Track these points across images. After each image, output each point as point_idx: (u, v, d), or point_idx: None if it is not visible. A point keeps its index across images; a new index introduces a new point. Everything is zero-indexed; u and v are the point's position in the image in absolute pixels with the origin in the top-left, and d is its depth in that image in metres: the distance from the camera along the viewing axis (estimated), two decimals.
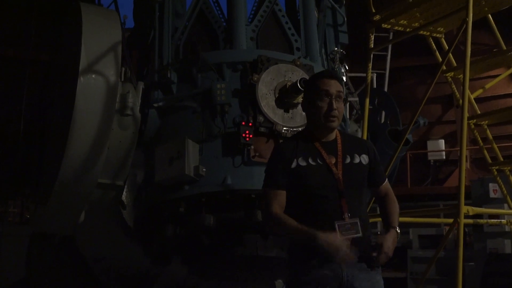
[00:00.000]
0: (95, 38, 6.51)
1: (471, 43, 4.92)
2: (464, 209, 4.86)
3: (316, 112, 3.62)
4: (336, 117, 3.57)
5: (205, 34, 7.88)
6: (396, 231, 3.59)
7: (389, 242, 3.50)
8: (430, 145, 19.31)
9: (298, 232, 3.44)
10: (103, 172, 6.54)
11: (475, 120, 5.88)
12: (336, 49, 8.30)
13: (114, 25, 6.75)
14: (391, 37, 10.93)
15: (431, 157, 19.30)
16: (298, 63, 7.17)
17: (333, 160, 3.57)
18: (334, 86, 3.57)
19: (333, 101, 3.52)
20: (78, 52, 6.45)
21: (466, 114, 4.55)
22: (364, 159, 3.67)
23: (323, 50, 8.36)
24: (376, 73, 14.85)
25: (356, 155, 3.65)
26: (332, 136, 3.68)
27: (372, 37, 5.08)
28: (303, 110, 3.85)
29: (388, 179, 3.97)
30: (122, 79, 6.77)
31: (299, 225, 3.45)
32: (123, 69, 6.82)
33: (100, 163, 6.41)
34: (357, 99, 12.54)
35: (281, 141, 6.53)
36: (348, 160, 3.61)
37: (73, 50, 6.70)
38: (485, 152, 6.59)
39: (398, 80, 18.88)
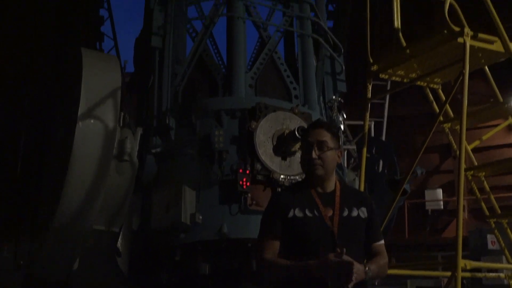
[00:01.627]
0: (95, 83, 6.53)
1: (468, 92, 4.96)
2: (462, 263, 4.82)
3: (301, 161, 3.68)
4: (319, 165, 3.55)
5: (204, 80, 7.94)
6: (365, 271, 3.42)
7: (357, 265, 3.36)
8: (428, 194, 19.25)
9: (289, 269, 3.39)
10: (98, 218, 6.47)
11: (472, 172, 5.87)
12: (334, 97, 8.35)
13: (114, 70, 6.78)
14: (388, 87, 11.03)
15: (429, 206, 19.21)
16: (296, 111, 7.19)
17: (330, 213, 3.53)
18: (316, 135, 3.57)
19: (314, 150, 3.53)
20: (78, 96, 6.46)
21: (463, 166, 4.54)
22: (363, 212, 3.61)
23: (321, 98, 8.42)
24: (374, 121, 14.91)
25: (355, 208, 3.59)
26: (331, 186, 3.63)
27: (370, 87, 5.11)
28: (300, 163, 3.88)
29: (385, 229, 3.93)
30: (121, 125, 6.77)
31: (290, 262, 3.41)
32: (122, 114, 6.83)
33: (95, 209, 6.35)
34: (354, 147, 12.59)
35: (279, 189, 6.50)
36: (345, 213, 3.56)
37: (73, 92, 6.72)
38: (483, 204, 6.57)
39: (396, 128, 18.93)
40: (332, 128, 3.74)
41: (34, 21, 14.71)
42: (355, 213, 3.60)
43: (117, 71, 6.78)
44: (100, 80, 6.56)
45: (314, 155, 3.54)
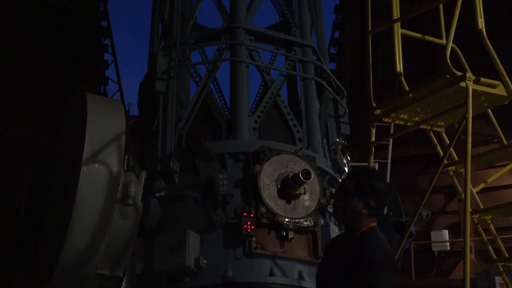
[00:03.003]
0: (99, 127, 6.58)
1: (471, 134, 4.98)
2: None
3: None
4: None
5: (208, 124, 7.97)
6: None
7: None
8: (434, 235, 19.11)
9: None
10: (102, 263, 6.45)
11: (478, 215, 5.85)
12: (338, 140, 8.36)
13: (119, 115, 6.85)
14: (392, 128, 11.07)
15: (435, 248, 19.06)
16: (300, 154, 7.21)
17: None
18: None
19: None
20: (82, 140, 6.50)
21: (469, 209, 4.53)
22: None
23: (325, 141, 8.43)
24: (377, 162, 14.91)
25: None
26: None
27: (374, 131, 5.14)
28: None
29: None
30: (125, 168, 6.79)
31: None
32: (126, 157, 6.86)
33: (99, 254, 6.34)
34: None
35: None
36: None
37: (77, 136, 6.76)
38: (490, 247, 6.52)
39: (400, 169, 18.92)
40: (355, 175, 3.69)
41: (39, 64, 14.88)
42: None
43: (122, 115, 6.83)
44: (104, 125, 6.61)
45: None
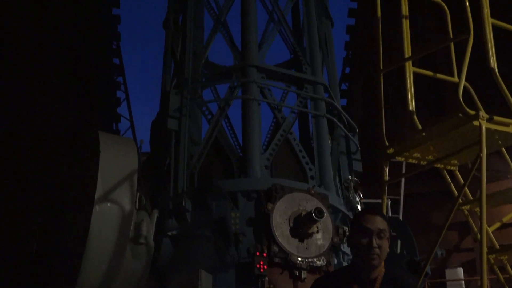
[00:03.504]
0: (111, 166, 6.58)
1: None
2: None
3: (356, 249, 3.50)
4: (377, 255, 3.44)
5: (220, 162, 7.98)
6: None
7: None
8: (449, 273, 18.85)
9: None
10: None
11: (494, 255, 5.75)
12: (350, 177, 8.33)
13: (131, 154, 6.85)
14: (404, 168, 11.02)
15: (450, 286, 18.79)
16: (313, 192, 7.17)
17: None
18: (376, 223, 3.46)
19: (374, 238, 3.41)
20: (95, 179, 6.50)
21: (485, 250, 4.46)
22: None
23: (337, 178, 8.40)
24: (390, 199, 14.79)
25: None
26: (375, 274, 3.52)
27: (386, 170, 5.11)
28: (348, 246, 3.77)
29: None
30: (137, 207, 6.78)
31: None
32: (138, 195, 6.84)
33: None
34: None
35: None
36: None
37: (90, 175, 6.76)
38: (506, 286, 6.40)
39: (413, 206, 18.75)
40: (386, 216, 3.65)
41: (51, 101, 14.99)
42: None
43: (134, 154, 6.84)
44: (117, 164, 6.61)
45: (374, 243, 3.42)
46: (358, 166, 8.74)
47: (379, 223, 3.46)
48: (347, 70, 20.34)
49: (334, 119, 8.49)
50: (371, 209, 3.69)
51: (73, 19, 15.88)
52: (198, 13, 9.35)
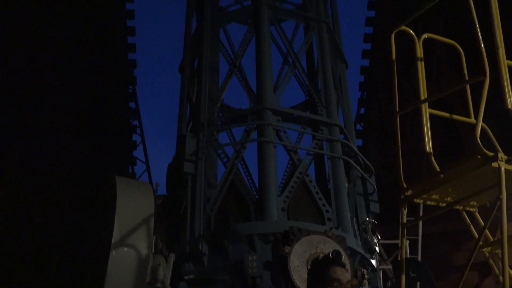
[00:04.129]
0: (128, 211, 6.59)
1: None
2: None
3: None
4: None
5: (237, 205, 7.96)
6: None
7: None
8: None
9: None
10: None
11: None
12: (367, 219, 8.27)
13: (147, 198, 6.86)
14: (421, 210, 10.96)
15: None
16: (330, 234, 7.10)
17: None
18: (344, 275, 3.44)
19: None
20: (111, 223, 6.51)
21: None
22: None
23: (354, 220, 8.34)
24: (408, 239, 14.62)
25: None
26: None
27: (405, 212, 5.07)
28: None
29: None
30: (153, 251, 6.75)
31: None
32: (155, 239, 6.82)
33: None
34: (390, 267, 12.28)
35: None
36: None
37: (106, 219, 6.77)
38: None
39: (431, 246, 18.50)
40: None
41: (69, 147, 15.11)
42: None
43: (150, 198, 6.85)
44: (133, 208, 6.62)
45: None
46: (375, 207, 8.67)
47: (346, 275, 3.45)
48: (362, 110, 20.39)
49: (351, 161, 8.47)
50: (340, 261, 3.67)
51: (91, 63, 16.13)
52: (213, 57, 9.46)
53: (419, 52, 5.43)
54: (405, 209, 5.01)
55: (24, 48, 13.58)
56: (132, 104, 17.99)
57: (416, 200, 5.13)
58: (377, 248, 7.95)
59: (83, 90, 15.95)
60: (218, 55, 9.73)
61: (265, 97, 8.43)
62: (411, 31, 5.48)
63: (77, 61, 15.39)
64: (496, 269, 5.67)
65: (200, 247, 7.15)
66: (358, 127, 20.10)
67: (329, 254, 6.57)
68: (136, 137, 18.07)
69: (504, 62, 4.62)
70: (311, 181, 8.20)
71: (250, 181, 8.87)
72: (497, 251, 5.45)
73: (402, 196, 5.00)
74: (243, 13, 9.90)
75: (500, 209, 4.52)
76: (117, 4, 16.89)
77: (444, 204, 5.15)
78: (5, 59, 13.15)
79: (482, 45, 4.63)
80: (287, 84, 9.24)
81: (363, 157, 8.75)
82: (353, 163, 8.48)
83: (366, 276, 6.63)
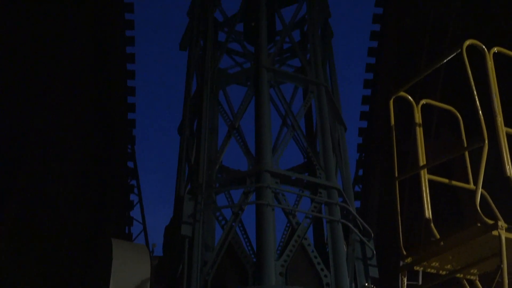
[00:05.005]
0: (124, 275, 6.52)
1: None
2: None
3: None
4: None
5: (234, 269, 7.84)
6: None
7: None
8: None
9: None
10: None
11: None
12: (366, 284, 8.15)
13: (144, 261, 6.80)
14: (420, 278, 10.81)
15: None
16: None
17: None
18: None
19: None
20: (107, 286, 6.42)
21: None
22: None
23: (353, 285, 8.21)
24: None
25: None
26: None
27: (405, 280, 4.99)
28: None
29: None
30: None
31: None
32: None
33: None
34: None
35: None
36: None
37: (103, 282, 6.67)
38: None
39: None
40: None
41: (66, 208, 15.03)
42: None
43: (146, 262, 6.79)
44: (129, 272, 6.55)
45: None
46: (374, 272, 8.55)
47: None
48: (360, 172, 20.37)
49: (349, 224, 8.40)
50: None
51: (92, 123, 16.21)
52: (213, 119, 9.51)
53: (418, 117, 5.45)
54: (404, 277, 4.93)
55: (27, 107, 13.67)
56: (130, 164, 17.98)
57: (416, 268, 5.06)
58: None
59: (83, 149, 15.97)
60: (218, 116, 9.79)
61: (264, 160, 8.43)
62: (410, 97, 5.52)
63: (78, 121, 15.48)
64: None
65: None
66: (357, 188, 20.04)
67: None
68: (133, 197, 18.00)
69: (502, 130, 4.63)
70: (309, 245, 8.11)
71: (248, 244, 8.78)
72: None
73: (402, 263, 4.93)
74: (243, 75, 10.01)
75: (501, 278, 4.45)
76: (118, 64, 17.10)
77: (444, 272, 5.07)
78: (8, 114, 13.20)
79: (480, 112, 4.65)
80: (286, 146, 9.25)
81: (362, 221, 8.69)
82: (352, 227, 8.41)
83: None
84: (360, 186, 20.43)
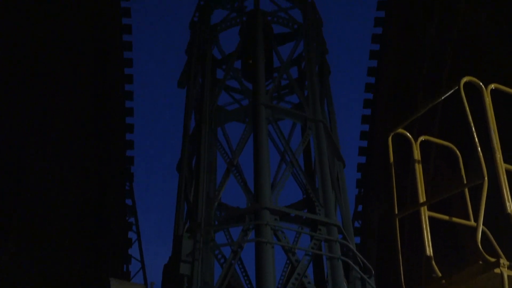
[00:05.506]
0: None
1: None
2: None
3: None
4: None
5: None
6: None
7: None
8: None
9: None
10: None
11: None
12: None
13: None
14: None
15: None
16: None
17: None
18: None
19: None
20: None
21: None
22: None
23: None
24: None
25: None
26: None
27: None
28: None
29: None
30: None
31: None
32: None
33: None
34: None
35: None
36: None
37: None
38: None
39: None
40: None
41: (68, 245, 14.91)
42: None
43: None
44: None
45: None
46: None
47: None
48: (360, 207, 20.28)
49: (350, 262, 8.34)
50: None
51: (91, 161, 16.18)
52: (211, 156, 9.50)
53: (416, 154, 5.43)
54: None
55: (27, 143, 13.63)
56: (129, 201, 17.89)
57: None
58: None
59: (81, 188, 15.91)
60: (216, 153, 9.79)
61: (263, 197, 8.40)
62: (408, 134, 5.51)
63: (76, 159, 15.45)
64: None
65: None
66: (356, 224, 19.93)
67: None
68: (132, 235, 17.85)
69: (501, 166, 4.61)
70: (309, 283, 8.04)
71: (247, 282, 8.70)
72: None
73: None
74: (241, 112, 10.04)
75: None
76: (116, 101, 17.15)
77: None
78: (8, 148, 13.15)
79: (479, 149, 4.64)
80: (284, 182, 9.24)
81: (362, 258, 8.62)
82: (352, 264, 8.34)
83: None
84: (360, 222, 20.32)
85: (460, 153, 5.96)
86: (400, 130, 5.44)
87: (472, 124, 4.63)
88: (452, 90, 4.89)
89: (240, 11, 11.43)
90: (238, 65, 11.47)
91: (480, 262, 4.40)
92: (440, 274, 4.88)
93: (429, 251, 5.20)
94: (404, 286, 4.91)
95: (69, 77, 14.66)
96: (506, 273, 4.38)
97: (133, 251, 17.57)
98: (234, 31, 11.60)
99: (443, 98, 5.00)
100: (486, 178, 4.60)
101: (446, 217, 5.51)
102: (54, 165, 14.32)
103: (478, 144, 4.55)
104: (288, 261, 8.61)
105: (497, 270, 4.37)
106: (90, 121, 16.28)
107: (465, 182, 5.41)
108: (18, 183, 13.15)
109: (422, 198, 5.15)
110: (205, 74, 10.37)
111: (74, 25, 14.40)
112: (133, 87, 17.60)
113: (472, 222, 5.41)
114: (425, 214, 5.19)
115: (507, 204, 4.67)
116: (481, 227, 4.63)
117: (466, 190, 5.67)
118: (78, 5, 14.40)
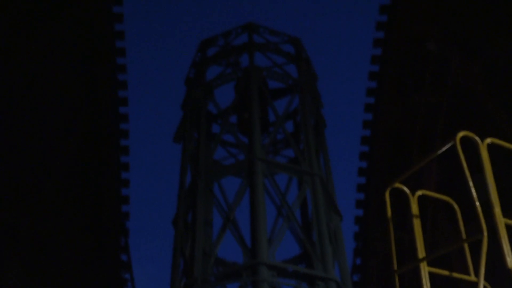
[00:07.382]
0: None
1: None
2: None
3: None
4: None
5: None
6: None
7: None
8: None
9: None
10: None
11: None
12: None
13: None
14: None
15: None
16: None
17: None
18: None
19: None
20: None
21: None
22: None
23: None
24: None
25: None
26: None
27: None
28: None
29: None
30: None
31: None
32: None
33: None
34: None
35: None
36: None
37: None
38: None
39: None
40: None
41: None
42: None
43: None
44: None
45: None
46: None
47: None
48: (358, 261, 20.07)
49: None
50: None
51: (85, 215, 16.07)
52: (207, 211, 9.44)
53: (414, 208, 5.39)
54: None
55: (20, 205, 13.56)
56: (124, 257, 17.66)
57: None
58: None
59: (76, 247, 15.77)
60: (212, 208, 9.73)
61: (260, 252, 8.31)
62: (406, 189, 5.48)
63: (69, 218, 15.34)
64: None
65: None
66: (354, 278, 19.69)
67: None
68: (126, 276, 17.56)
69: (500, 221, 4.57)
70: None
71: None
72: None
73: None
74: (237, 167, 10.03)
75: None
76: (111, 156, 17.12)
77: None
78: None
79: (478, 203, 4.61)
80: (282, 237, 9.17)
81: None
82: None
83: None
84: (359, 275, 20.07)
85: (458, 206, 5.94)
86: (397, 185, 5.42)
87: (469, 178, 4.61)
88: (449, 145, 4.89)
89: (236, 66, 11.54)
90: (233, 119, 11.52)
91: None
92: None
93: None
94: None
95: (60, 143, 14.67)
96: None
97: None
98: (229, 86, 11.68)
99: (439, 153, 5.00)
100: (485, 234, 4.56)
101: (446, 272, 5.44)
102: (49, 226, 14.21)
103: (476, 199, 4.52)
104: None
105: None
106: (81, 179, 16.23)
107: (464, 237, 5.37)
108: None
109: (421, 253, 5.10)
110: (201, 129, 10.39)
111: (68, 96, 14.49)
112: (129, 142, 17.57)
113: (473, 277, 5.35)
114: (424, 269, 5.13)
115: (508, 259, 4.61)
116: (482, 283, 4.57)
117: (466, 246, 5.62)
118: (72, 68, 14.48)
